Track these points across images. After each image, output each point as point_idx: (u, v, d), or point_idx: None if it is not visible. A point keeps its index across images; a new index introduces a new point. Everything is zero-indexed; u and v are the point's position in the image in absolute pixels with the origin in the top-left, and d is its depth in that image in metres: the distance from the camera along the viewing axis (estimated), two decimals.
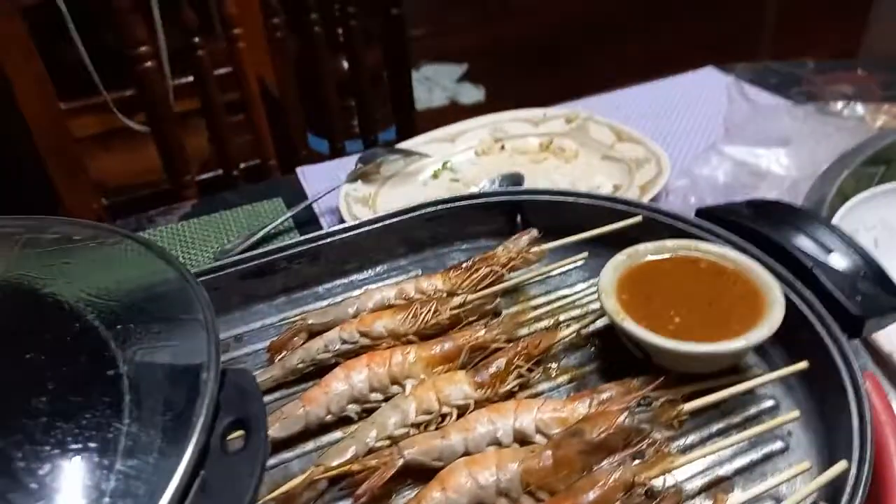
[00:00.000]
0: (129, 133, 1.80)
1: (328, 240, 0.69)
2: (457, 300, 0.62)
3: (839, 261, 0.61)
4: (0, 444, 0.35)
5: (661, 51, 1.42)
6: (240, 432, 0.40)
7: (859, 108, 1.17)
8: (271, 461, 0.54)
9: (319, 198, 0.94)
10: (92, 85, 1.70)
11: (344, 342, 0.60)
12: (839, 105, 1.19)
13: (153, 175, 1.80)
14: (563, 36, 3.89)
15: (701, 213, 0.70)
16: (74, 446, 0.36)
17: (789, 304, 0.57)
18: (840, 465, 0.46)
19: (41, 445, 0.35)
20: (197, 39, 1.40)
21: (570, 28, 4.03)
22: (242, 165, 1.70)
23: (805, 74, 1.33)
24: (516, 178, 0.95)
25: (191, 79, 1.56)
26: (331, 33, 1.87)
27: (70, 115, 1.71)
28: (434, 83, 3.20)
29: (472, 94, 3.19)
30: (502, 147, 1.08)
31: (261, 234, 0.88)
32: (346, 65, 1.96)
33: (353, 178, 0.96)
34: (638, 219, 0.69)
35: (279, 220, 0.90)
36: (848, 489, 0.44)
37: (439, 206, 0.73)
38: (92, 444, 0.36)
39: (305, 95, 1.78)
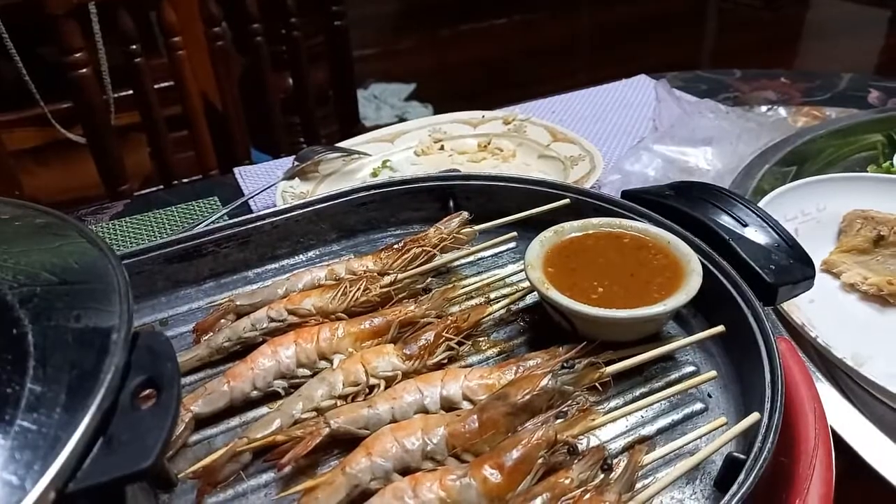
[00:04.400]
0: (65, 147, 1.76)
1: (258, 223, 0.68)
2: (387, 279, 0.62)
3: (755, 234, 0.64)
4: None
5: (605, 75, 1.47)
6: (152, 392, 0.40)
7: (782, 111, 1.23)
8: (195, 437, 0.52)
9: (256, 194, 0.93)
10: (28, 97, 1.66)
11: (271, 320, 0.59)
12: (763, 108, 1.25)
13: (90, 191, 1.76)
14: (509, 60, 4.00)
15: (626, 194, 0.72)
16: None
17: (709, 276, 0.59)
18: (753, 417, 0.48)
19: None
20: (135, 47, 1.38)
21: (516, 53, 4.14)
22: (185, 181, 1.67)
23: (732, 82, 1.39)
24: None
25: (131, 92, 1.54)
26: (276, 52, 1.87)
27: (3, 128, 1.66)
28: (382, 101, 3.22)
29: (419, 112, 3.22)
30: (441, 147, 1.09)
31: (194, 231, 0.87)
32: (291, 82, 1.96)
33: (291, 175, 0.95)
34: (566, 201, 0.70)
35: (214, 217, 0.89)
36: (759, 437, 0.46)
37: (371, 191, 0.73)
38: None
39: (250, 111, 1.77)
